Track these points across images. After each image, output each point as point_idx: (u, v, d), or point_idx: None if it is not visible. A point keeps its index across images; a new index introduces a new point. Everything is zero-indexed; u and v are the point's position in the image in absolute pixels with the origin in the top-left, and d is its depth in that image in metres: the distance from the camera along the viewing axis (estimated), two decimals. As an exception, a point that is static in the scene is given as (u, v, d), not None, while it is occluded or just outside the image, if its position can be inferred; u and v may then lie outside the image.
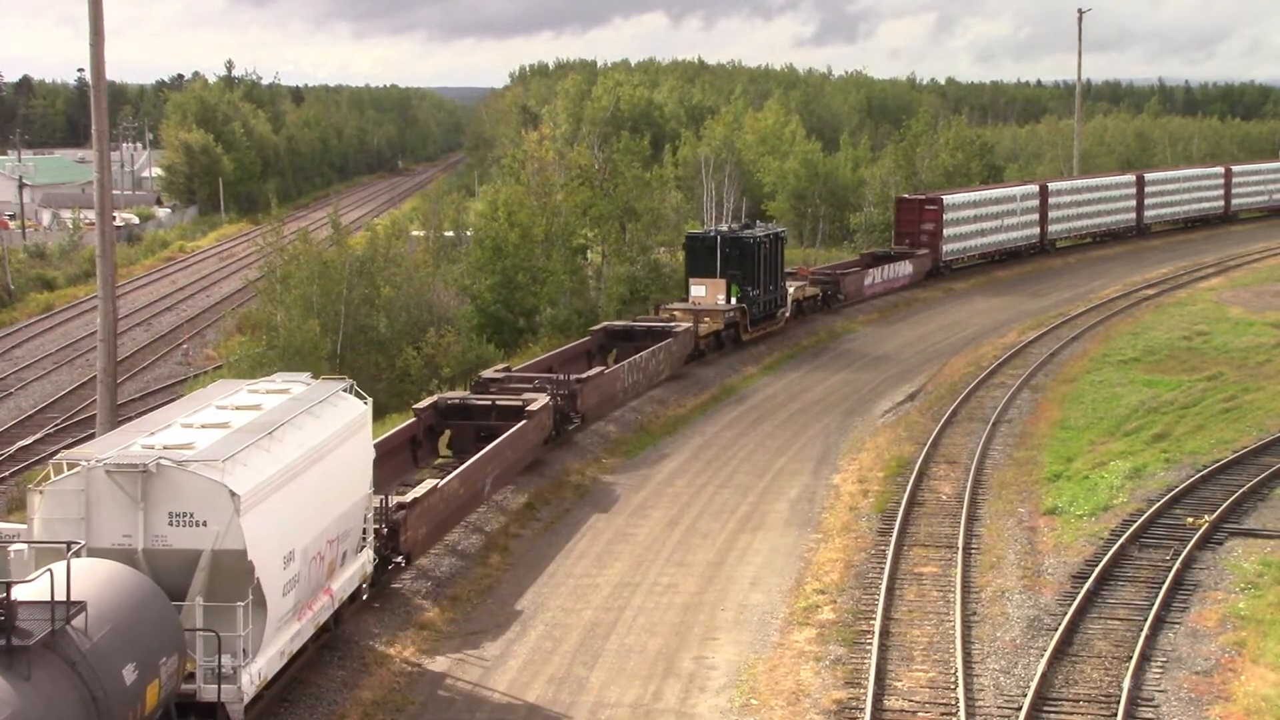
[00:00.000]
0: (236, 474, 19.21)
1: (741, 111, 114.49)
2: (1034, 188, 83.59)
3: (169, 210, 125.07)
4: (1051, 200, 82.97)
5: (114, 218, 38.25)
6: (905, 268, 70.31)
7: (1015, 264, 79.47)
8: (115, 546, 18.73)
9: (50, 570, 15.75)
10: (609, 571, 29.29)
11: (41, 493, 19.11)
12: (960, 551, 29.20)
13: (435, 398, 36.67)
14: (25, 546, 18.61)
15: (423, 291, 54.36)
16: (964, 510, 32.12)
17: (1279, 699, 21.88)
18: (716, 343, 51.70)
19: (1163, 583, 26.64)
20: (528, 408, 35.34)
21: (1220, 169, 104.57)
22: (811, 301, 60.44)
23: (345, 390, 24.27)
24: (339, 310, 48.27)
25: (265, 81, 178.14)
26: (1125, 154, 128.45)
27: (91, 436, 32.37)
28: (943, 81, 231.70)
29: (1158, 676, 22.91)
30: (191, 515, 18.83)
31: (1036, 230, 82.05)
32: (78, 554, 16.76)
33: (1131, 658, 23.29)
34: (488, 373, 40.20)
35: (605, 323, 50.65)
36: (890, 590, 27.13)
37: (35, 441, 45.58)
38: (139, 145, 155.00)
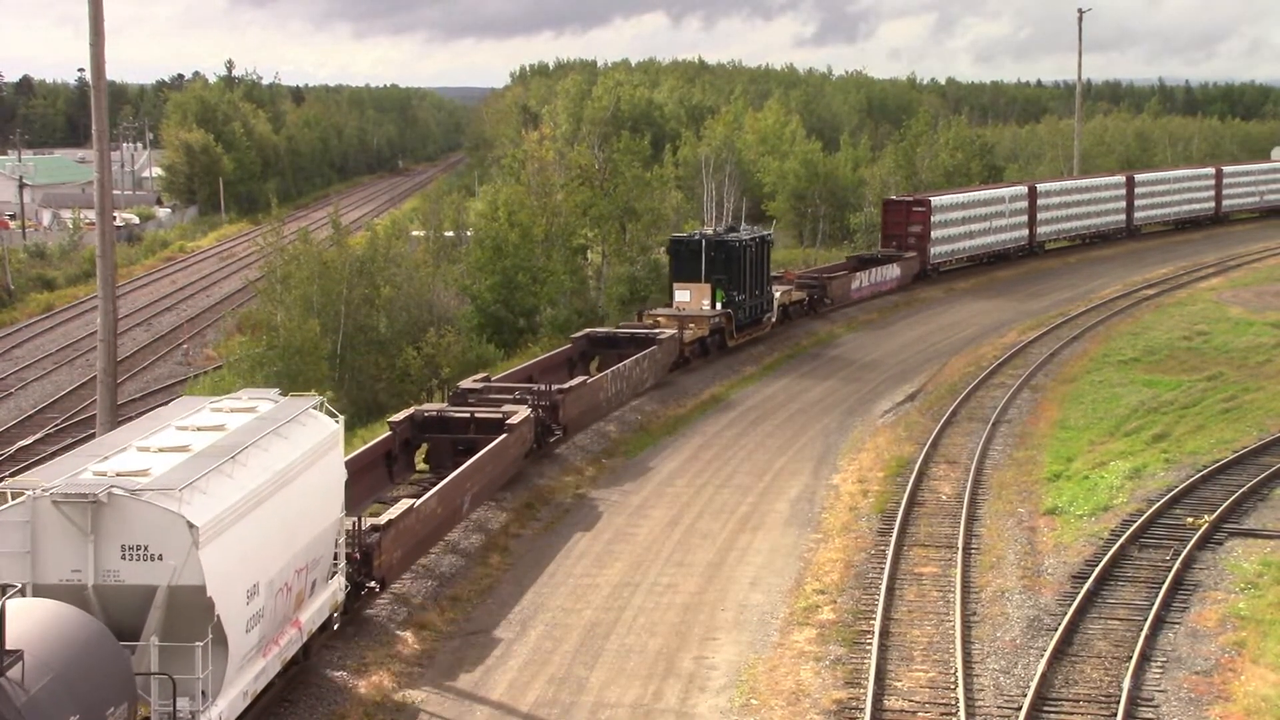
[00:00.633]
0: (195, 503, 17.88)
1: (741, 111, 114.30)
2: (1022, 189, 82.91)
3: (169, 210, 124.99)
4: (1040, 201, 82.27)
5: (114, 218, 38.21)
6: (893, 270, 69.25)
7: (1014, 265, 79.19)
8: (63, 583, 17.42)
9: None
10: (609, 571, 29.30)
11: None
12: (960, 551, 29.22)
13: (411, 410, 34.98)
14: None
15: (423, 291, 54.28)
16: (964, 510, 32.14)
17: (1279, 699, 21.90)
18: (701, 349, 50.54)
19: (1163, 583, 26.67)
20: (508, 420, 33.95)
21: (1211, 170, 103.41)
22: (798, 306, 59.21)
23: (315, 408, 22.93)
24: (339, 310, 48.26)
25: (265, 81, 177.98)
26: (1125, 154, 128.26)
27: (92, 437, 32.33)
28: (943, 81, 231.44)
29: (1158, 676, 22.94)
30: (146, 548, 17.50)
31: (1025, 232, 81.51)
32: (19, 594, 15.52)
33: (1131, 658, 23.31)
34: (466, 383, 38.71)
35: (588, 329, 49.18)
36: (890, 590, 27.15)
37: (35, 442, 45.62)
38: (139, 145, 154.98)
